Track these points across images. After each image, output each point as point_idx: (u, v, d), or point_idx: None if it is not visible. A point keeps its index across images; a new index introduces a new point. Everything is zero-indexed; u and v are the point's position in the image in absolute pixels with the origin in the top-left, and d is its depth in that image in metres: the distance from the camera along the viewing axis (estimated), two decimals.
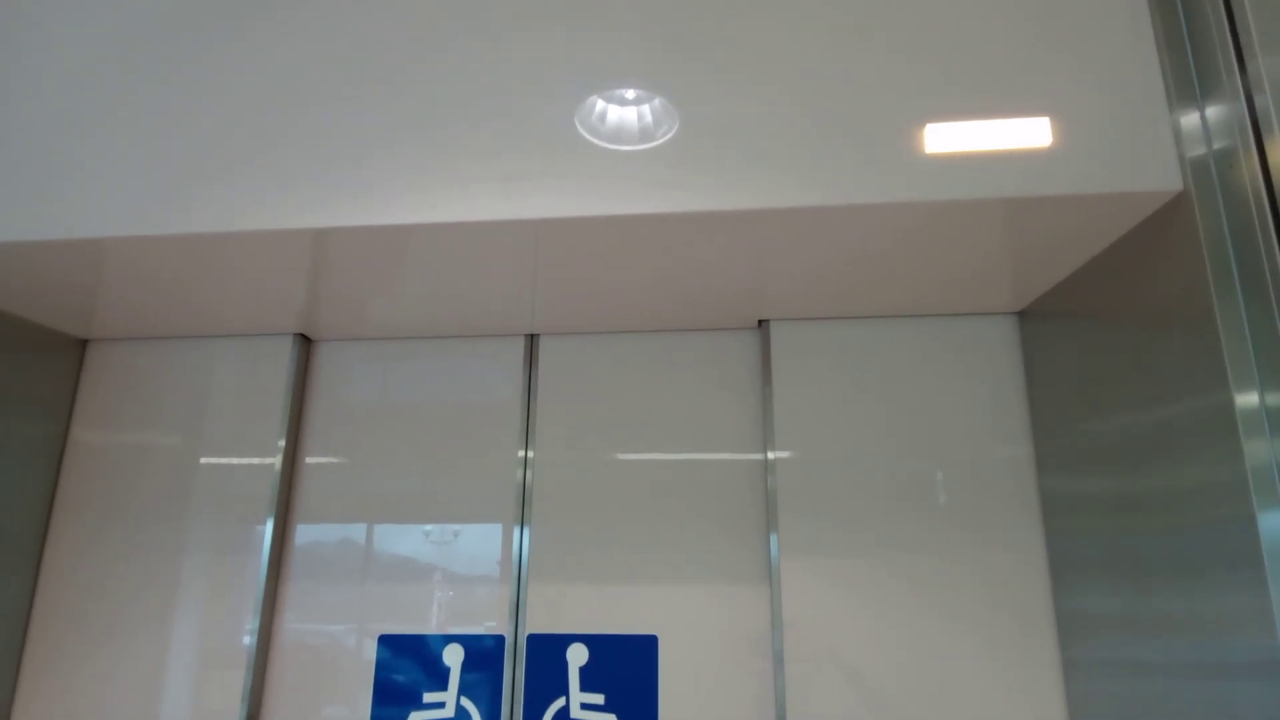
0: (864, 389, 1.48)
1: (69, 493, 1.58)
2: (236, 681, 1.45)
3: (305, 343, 1.64)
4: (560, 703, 1.39)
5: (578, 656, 1.41)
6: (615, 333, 1.59)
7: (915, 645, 1.35)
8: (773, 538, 1.41)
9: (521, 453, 1.54)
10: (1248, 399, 0.92)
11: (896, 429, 1.45)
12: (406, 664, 1.46)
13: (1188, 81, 1.05)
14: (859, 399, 1.48)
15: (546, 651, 1.43)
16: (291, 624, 1.51)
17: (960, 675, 1.33)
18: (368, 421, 1.60)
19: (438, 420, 1.58)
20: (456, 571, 1.50)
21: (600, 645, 1.42)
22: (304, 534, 1.56)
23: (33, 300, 1.44)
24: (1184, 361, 1.02)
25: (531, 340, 1.61)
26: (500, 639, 1.45)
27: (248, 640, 1.47)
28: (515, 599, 1.46)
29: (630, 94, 1.14)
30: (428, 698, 1.43)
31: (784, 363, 1.50)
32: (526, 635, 1.44)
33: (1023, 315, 1.47)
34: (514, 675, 1.42)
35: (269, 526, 1.52)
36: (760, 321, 1.54)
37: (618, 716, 1.38)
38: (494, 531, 1.51)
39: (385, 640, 1.47)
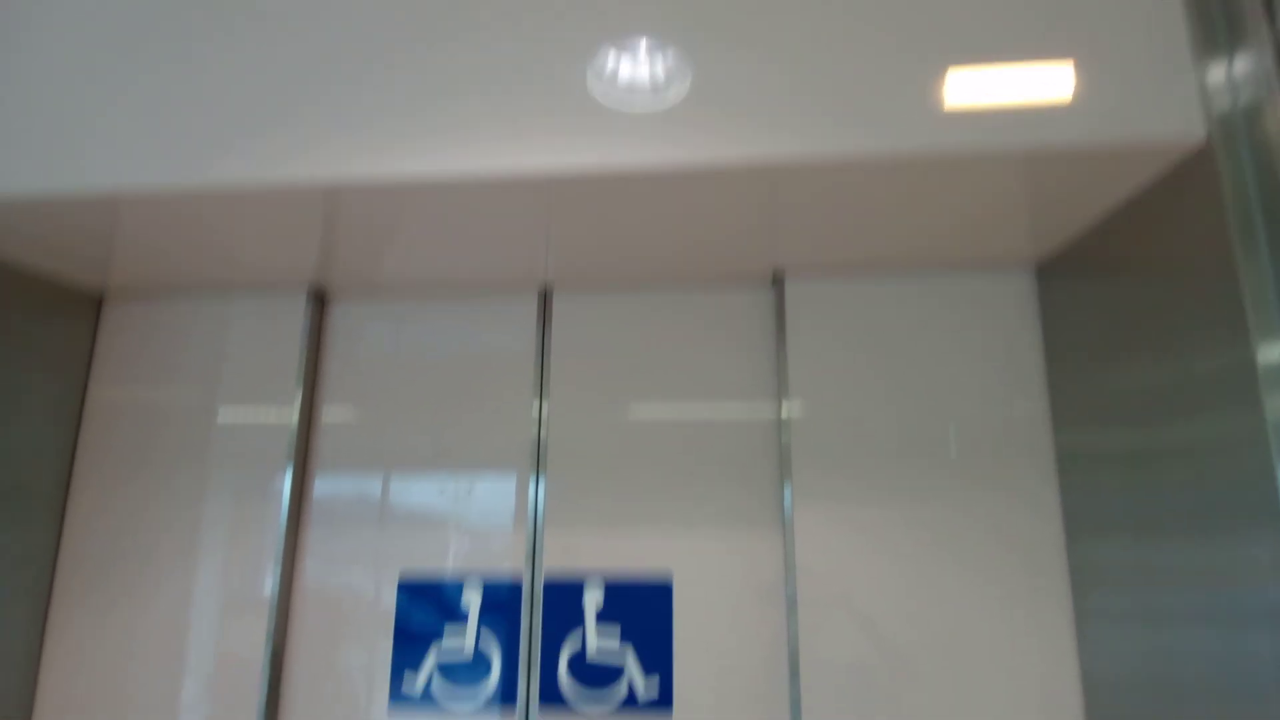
0: (879, 345, 1.49)
1: (89, 448, 1.61)
2: (259, 628, 1.49)
3: (320, 300, 1.66)
4: (577, 643, 1.44)
5: (594, 598, 1.46)
6: (629, 289, 1.59)
7: (927, 593, 1.38)
8: (786, 489, 1.44)
9: (536, 407, 1.56)
10: (1270, 353, 0.93)
11: (911, 385, 1.46)
12: (425, 606, 1.50)
13: (1214, 31, 1.03)
14: (874, 355, 1.48)
15: (563, 594, 1.47)
16: (312, 572, 1.54)
17: (971, 623, 1.36)
18: (383, 376, 1.62)
19: (452, 376, 1.60)
20: (473, 520, 1.53)
21: (616, 588, 1.46)
22: (322, 487, 1.58)
23: (49, 255, 1.45)
24: (1205, 316, 1.02)
25: (545, 296, 1.62)
26: (517, 582, 1.49)
27: (269, 588, 1.51)
28: (531, 543, 1.50)
29: (644, 46, 1.12)
30: (447, 638, 1.48)
31: (799, 319, 1.50)
32: (543, 578, 1.48)
33: (1040, 269, 1.46)
34: (531, 617, 1.47)
35: (287, 479, 1.55)
36: (775, 278, 1.54)
37: (634, 654, 1.42)
38: (508, 484, 1.54)
39: (404, 584, 1.51)
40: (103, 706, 1.49)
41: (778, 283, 1.53)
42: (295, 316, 1.62)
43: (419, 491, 1.56)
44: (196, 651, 1.50)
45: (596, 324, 1.59)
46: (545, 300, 1.62)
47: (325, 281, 1.61)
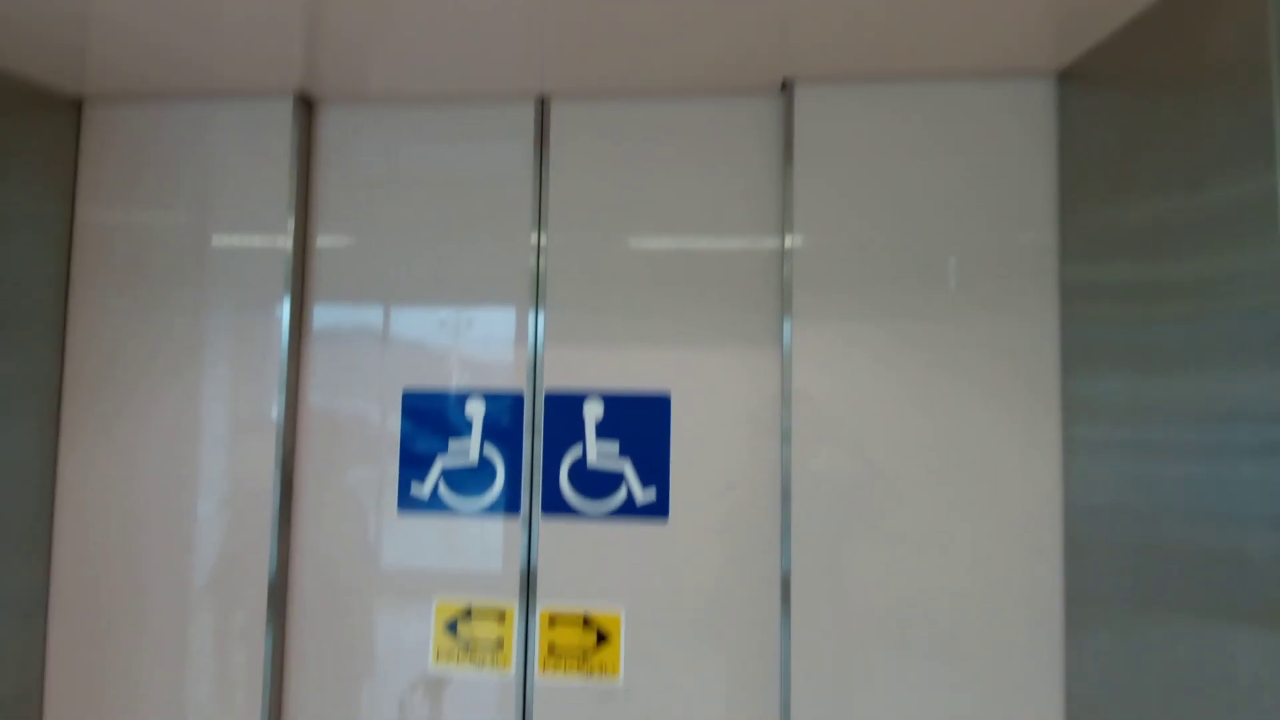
0: (889, 164, 1.43)
1: (83, 272, 1.59)
2: (268, 448, 1.53)
3: (307, 106, 1.59)
4: (577, 452, 1.49)
5: (594, 411, 1.49)
6: (629, 97, 1.52)
7: (919, 418, 1.40)
8: (787, 322, 1.43)
9: (534, 237, 1.53)
10: None
11: (919, 211, 1.42)
12: (430, 419, 1.54)
13: None
14: (883, 176, 1.43)
15: (564, 407, 1.50)
16: (316, 395, 1.57)
17: (961, 449, 1.39)
18: (377, 197, 1.57)
19: (449, 196, 1.56)
20: (474, 347, 1.54)
21: (615, 403, 1.49)
22: (321, 316, 1.58)
23: (23, 50, 1.37)
24: (1230, 138, 0.97)
25: (542, 106, 1.55)
26: (519, 396, 1.52)
27: (275, 413, 1.53)
28: (532, 362, 1.52)
29: None
30: (453, 446, 1.53)
31: (807, 132, 1.44)
32: (544, 392, 1.51)
33: (1062, 77, 1.39)
34: (533, 427, 1.51)
35: (286, 306, 1.54)
36: (784, 85, 1.47)
37: (632, 464, 1.48)
38: (508, 314, 1.53)
39: (409, 396, 1.55)
40: (119, 525, 1.56)
41: (787, 89, 1.46)
42: (283, 124, 1.56)
43: (419, 322, 1.56)
44: (208, 472, 1.55)
45: (597, 136, 1.53)
46: (543, 110, 1.55)
47: (312, 87, 1.53)
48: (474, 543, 1.51)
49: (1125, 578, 1.18)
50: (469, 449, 1.52)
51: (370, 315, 1.57)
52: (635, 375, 1.49)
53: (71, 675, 1.55)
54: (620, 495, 1.47)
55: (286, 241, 1.54)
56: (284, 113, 1.55)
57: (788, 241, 1.44)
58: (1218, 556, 0.99)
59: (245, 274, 1.56)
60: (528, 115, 1.55)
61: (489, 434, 1.52)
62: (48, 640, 1.56)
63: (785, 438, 1.42)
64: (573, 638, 1.45)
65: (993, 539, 1.37)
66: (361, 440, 1.55)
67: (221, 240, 1.57)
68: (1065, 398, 1.36)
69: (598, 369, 1.50)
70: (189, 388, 1.56)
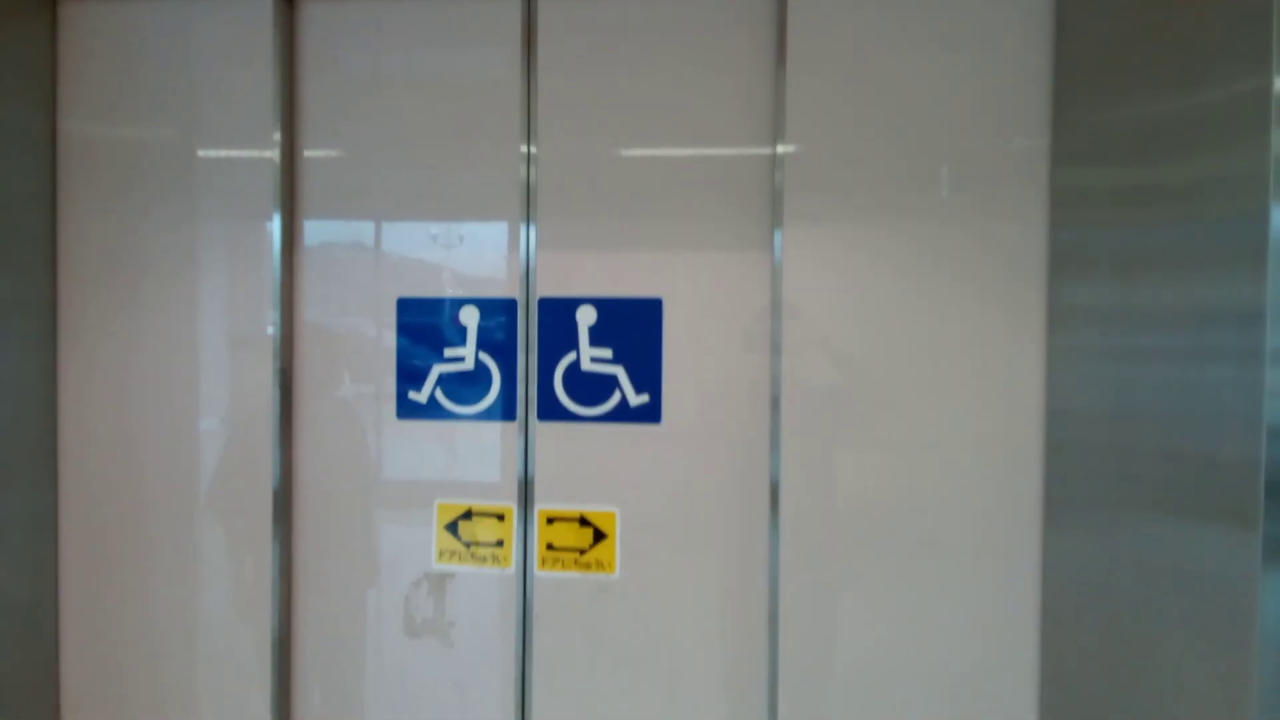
0: (884, 67, 1.40)
1: (70, 186, 1.57)
2: (265, 365, 1.55)
3: (288, 4, 1.53)
4: (571, 357, 1.51)
5: (586, 317, 1.51)
6: None
7: (908, 327, 1.42)
8: (777, 234, 1.43)
9: (524, 146, 1.51)
10: None
11: (913, 115, 1.40)
12: (425, 326, 1.55)
13: None
14: (877, 79, 1.41)
15: (557, 313, 1.51)
16: (310, 311, 1.58)
17: (946, 357, 1.41)
18: (363, 105, 1.54)
19: (436, 103, 1.52)
20: (467, 252, 1.54)
21: (608, 306, 1.50)
22: (313, 232, 1.57)
23: None
24: (1226, 34, 0.95)
25: (529, 2, 1.50)
26: (512, 302, 1.53)
27: (270, 328, 1.54)
28: (525, 268, 1.52)
29: None
30: (448, 353, 1.55)
31: (800, 32, 1.41)
32: (537, 298, 1.52)
33: None
34: (527, 334, 1.53)
35: (276, 222, 1.53)
36: None
37: (625, 369, 1.50)
38: (500, 223, 1.52)
39: (404, 304, 1.55)
40: (122, 439, 1.59)
41: None
42: (264, 24, 1.51)
43: (411, 233, 1.55)
44: (207, 388, 1.57)
45: (585, 35, 1.49)
46: (530, 7, 1.51)
47: None
48: (472, 448, 1.55)
49: (1102, 480, 1.23)
50: (464, 356, 1.54)
51: (362, 229, 1.56)
52: (627, 282, 1.50)
53: (85, 585, 1.61)
54: (614, 399, 1.50)
55: (274, 154, 1.52)
56: (264, 10, 1.50)
57: (779, 148, 1.43)
58: (1192, 459, 1.03)
59: (234, 187, 1.54)
60: (514, 13, 1.51)
61: (483, 341, 1.54)
62: (59, 551, 1.61)
63: (775, 349, 1.44)
64: (570, 536, 1.51)
65: (976, 443, 1.41)
66: (358, 351, 1.57)
67: (208, 153, 1.55)
68: (1051, 303, 1.38)
69: (590, 276, 1.50)
70: (183, 304, 1.57)
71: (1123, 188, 1.19)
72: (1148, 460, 1.11)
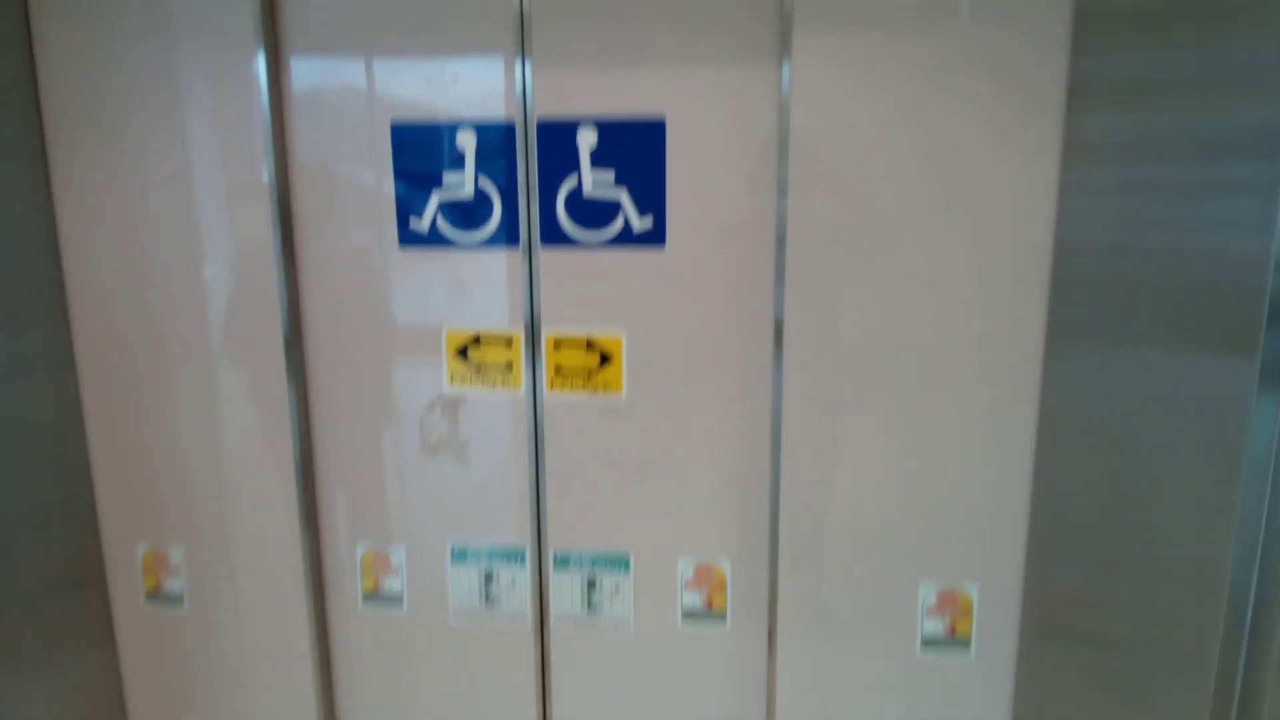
0: None
1: (44, 30, 1.50)
2: (264, 211, 1.52)
3: None
4: (573, 181, 1.47)
5: (587, 138, 1.45)
6: None
7: (919, 157, 1.37)
8: (785, 65, 1.36)
9: None
10: None
11: None
12: (422, 151, 1.50)
13: None
14: None
15: (557, 135, 1.46)
16: (304, 152, 1.53)
17: (959, 188, 1.37)
18: None
19: None
20: (463, 72, 1.46)
21: (609, 128, 1.45)
22: (300, 74, 1.49)
23: None
24: None
25: None
26: (511, 124, 1.47)
27: (266, 176, 1.50)
28: (522, 88, 1.45)
29: None
30: (447, 179, 1.50)
31: None
32: (536, 120, 1.46)
33: None
34: (527, 157, 1.48)
35: (260, 61, 1.46)
36: None
37: (628, 192, 1.47)
38: (494, 46, 1.44)
39: (398, 129, 1.50)
40: (130, 290, 1.60)
41: None
42: None
43: (403, 57, 1.48)
44: (209, 239, 1.56)
45: None
46: None
47: None
48: (477, 275, 1.54)
49: (1104, 312, 1.24)
50: (463, 182, 1.50)
51: (352, 51, 1.48)
52: (629, 101, 1.43)
53: (109, 417, 1.67)
54: (617, 224, 1.48)
55: None
56: None
57: None
58: (1196, 290, 1.03)
59: (214, 22, 1.47)
60: None
61: (483, 166, 1.49)
62: (80, 387, 1.65)
63: (782, 187, 1.40)
64: (577, 359, 1.54)
65: (983, 275, 1.40)
66: (355, 183, 1.53)
67: None
68: (1067, 135, 1.32)
69: (590, 95, 1.44)
70: (174, 150, 1.53)
71: (1147, 6, 1.11)
72: (1151, 292, 1.12)
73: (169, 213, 1.56)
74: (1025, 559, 1.48)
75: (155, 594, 1.73)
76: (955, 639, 1.53)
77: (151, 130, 1.53)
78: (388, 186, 1.52)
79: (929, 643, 1.54)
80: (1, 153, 1.48)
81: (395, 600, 1.70)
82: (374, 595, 1.70)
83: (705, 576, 1.60)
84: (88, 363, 1.64)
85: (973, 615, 1.52)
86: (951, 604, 1.52)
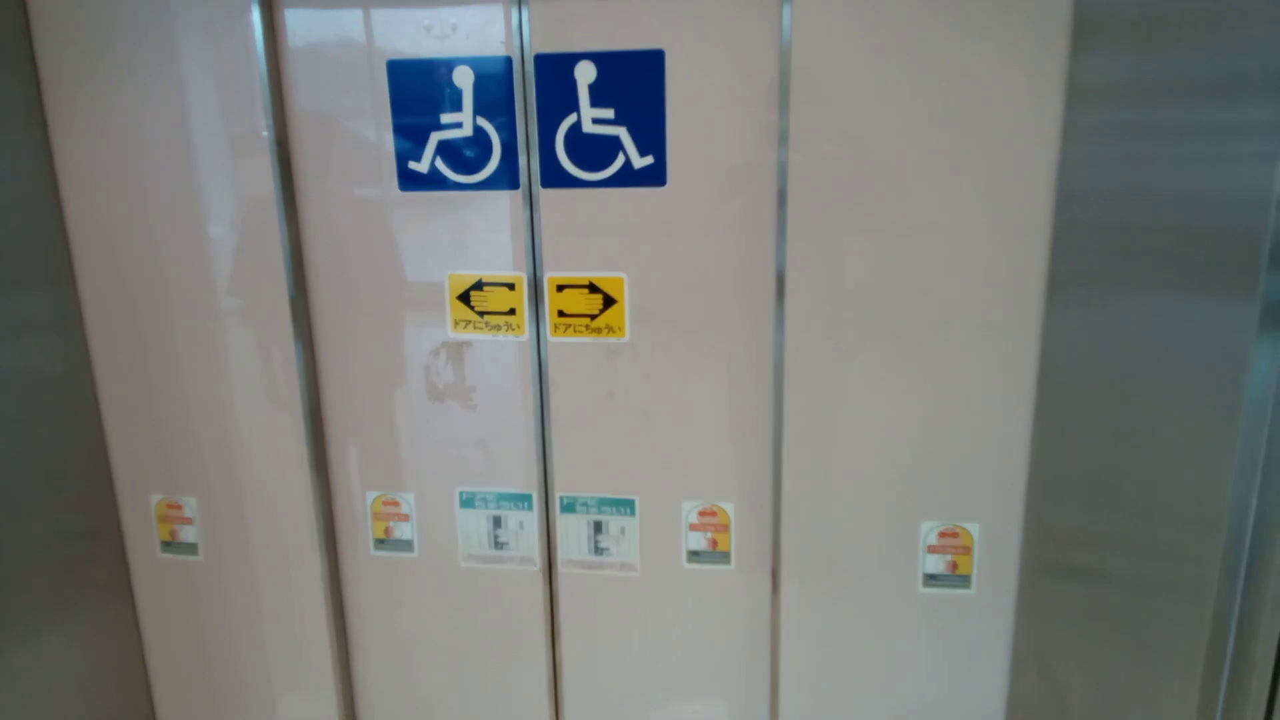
0: None
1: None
2: (263, 164, 1.52)
3: None
4: (572, 119, 1.46)
5: (586, 74, 1.43)
6: None
7: (922, 104, 1.35)
8: (786, 6, 1.33)
9: None
10: None
11: None
12: (419, 88, 1.48)
13: None
14: None
15: (555, 70, 1.44)
16: (303, 107, 1.52)
17: (963, 135, 1.35)
18: None
19: None
20: (455, 8, 1.44)
21: (608, 61, 1.42)
22: (295, 21, 1.48)
23: None
24: None
25: None
26: (508, 60, 1.44)
27: (265, 132, 1.50)
28: (519, 21, 1.42)
29: None
30: (445, 118, 1.48)
31: None
32: (533, 55, 1.43)
33: None
34: (525, 94, 1.46)
35: (255, 15, 1.45)
36: None
37: (628, 129, 1.44)
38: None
39: (394, 66, 1.48)
40: (135, 246, 1.60)
41: None
42: None
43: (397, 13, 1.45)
44: (210, 191, 1.56)
45: None
46: None
47: None
48: (478, 218, 1.54)
49: (1105, 258, 1.22)
50: (462, 121, 1.48)
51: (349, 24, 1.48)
52: (628, 34, 1.41)
53: (119, 374, 1.69)
54: (617, 162, 1.47)
55: None
56: None
57: None
58: (1197, 234, 1.01)
59: None
60: None
61: (480, 105, 1.48)
62: (90, 346, 1.66)
63: (783, 137, 1.38)
64: (580, 303, 1.54)
65: (985, 223, 1.39)
66: (354, 133, 1.52)
67: None
68: (1071, 77, 1.30)
69: (588, 27, 1.41)
70: (171, 106, 1.53)
71: None
72: (1152, 237, 1.10)
73: (169, 166, 1.56)
74: (1026, 497, 1.49)
75: (170, 543, 1.77)
76: (956, 576, 1.55)
77: (148, 84, 1.52)
78: (386, 130, 1.51)
79: (931, 579, 1.56)
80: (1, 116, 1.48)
81: (406, 545, 1.72)
82: (385, 542, 1.73)
83: (710, 518, 1.62)
84: (95, 318, 1.65)
85: (973, 553, 1.54)
86: (953, 542, 1.53)
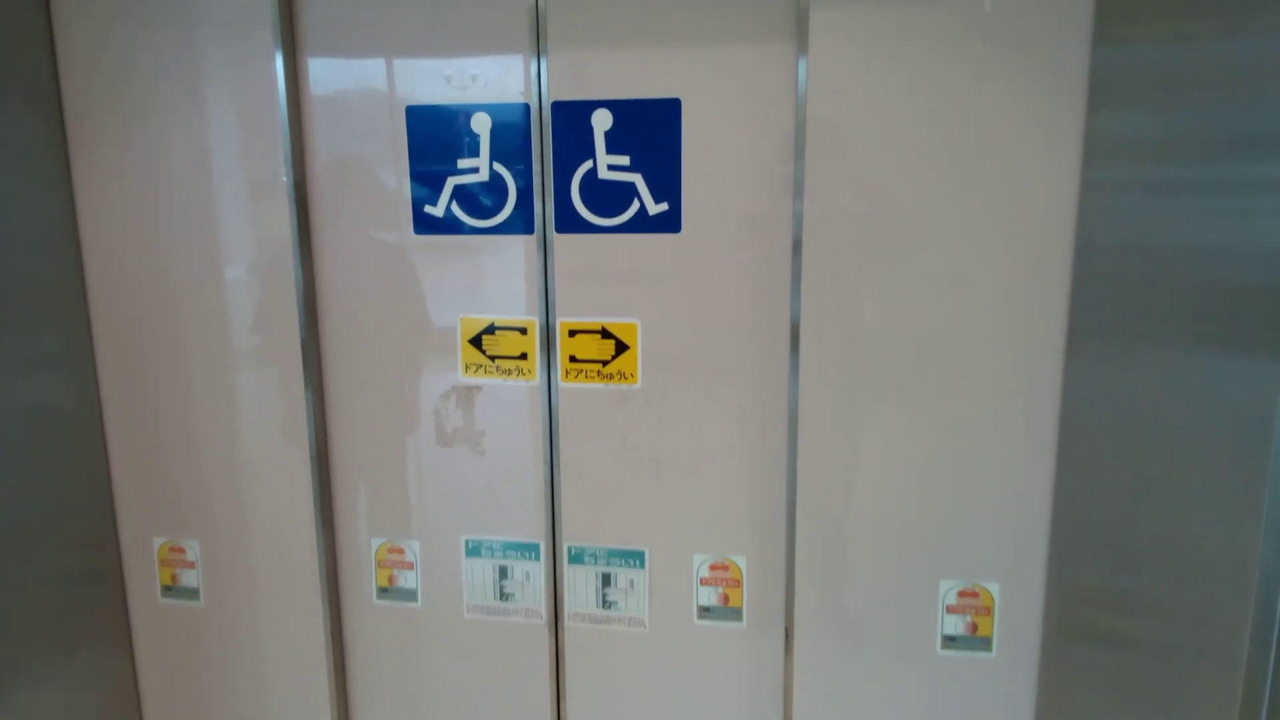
0: None
1: (66, 25, 1.53)
2: (281, 208, 1.53)
3: None
4: (588, 165, 1.46)
5: (602, 121, 1.44)
6: None
7: (936, 160, 1.35)
8: (802, 62, 1.35)
9: None
10: None
11: None
12: (437, 135, 1.50)
13: None
14: None
15: (572, 117, 1.45)
16: (322, 152, 1.54)
17: (976, 194, 1.35)
18: None
19: None
20: (476, 58, 1.47)
21: (625, 109, 1.44)
22: (319, 75, 1.51)
23: None
24: None
25: None
26: (525, 107, 1.46)
27: (285, 177, 1.51)
28: (537, 70, 1.44)
29: None
30: (462, 164, 1.50)
31: None
32: (551, 102, 1.45)
33: None
34: (542, 141, 1.47)
35: (278, 62, 1.48)
36: None
37: (643, 176, 1.45)
38: (510, 23, 1.44)
39: (413, 111, 1.50)
40: (150, 289, 1.61)
41: None
42: None
43: (418, 42, 1.49)
44: (227, 234, 1.57)
45: None
46: None
47: None
48: (492, 262, 1.54)
49: (1127, 311, 1.21)
50: (479, 166, 1.50)
51: (372, 74, 1.50)
52: (644, 83, 1.42)
53: (128, 412, 1.68)
54: (632, 209, 1.47)
55: None
56: None
57: None
58: (1219, 290, 1.00)
59: (232, 23, 1.49)
60: None
61: (497, 151, 1.49)
62: (100, 385, 1.66)
63: (798, 188, 1.38)
64: (592, 348, 1.53)
65: (1003, 277, 1.38)
66: (371, 177, 1.54)
67: None
68: (1090, 132, 1.30)
69: (605, 77, 1.43)
70: (192, 149, 1.55)
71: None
72: (1173, 291, 1.09)
73: (188, 206, 1.57)
74: (1048, 557, 1.44)
75: (172, 588, 1.74)
76: (976, 638, 1.50)
77: (171, 125, 1.55)
78: (404, 174, 1.52)
79: (950, 640, 1.51)
80: (24, 149, 1.50)
81: (410, 595, 1.69)
82: (389, 590, 1.69)
83: (721, 573, 1.58)
84: (107, 357, 1.65)
85: (994, 614, 1.49)
86: (973, 602, 1.49)
